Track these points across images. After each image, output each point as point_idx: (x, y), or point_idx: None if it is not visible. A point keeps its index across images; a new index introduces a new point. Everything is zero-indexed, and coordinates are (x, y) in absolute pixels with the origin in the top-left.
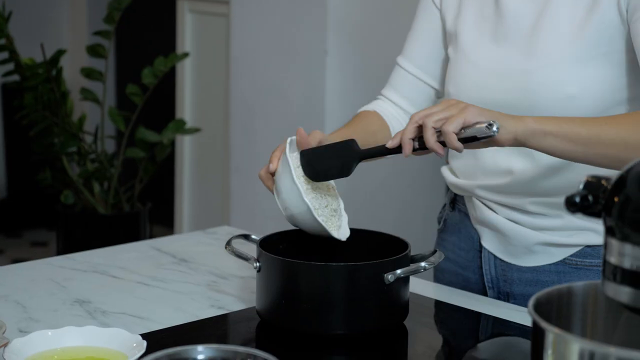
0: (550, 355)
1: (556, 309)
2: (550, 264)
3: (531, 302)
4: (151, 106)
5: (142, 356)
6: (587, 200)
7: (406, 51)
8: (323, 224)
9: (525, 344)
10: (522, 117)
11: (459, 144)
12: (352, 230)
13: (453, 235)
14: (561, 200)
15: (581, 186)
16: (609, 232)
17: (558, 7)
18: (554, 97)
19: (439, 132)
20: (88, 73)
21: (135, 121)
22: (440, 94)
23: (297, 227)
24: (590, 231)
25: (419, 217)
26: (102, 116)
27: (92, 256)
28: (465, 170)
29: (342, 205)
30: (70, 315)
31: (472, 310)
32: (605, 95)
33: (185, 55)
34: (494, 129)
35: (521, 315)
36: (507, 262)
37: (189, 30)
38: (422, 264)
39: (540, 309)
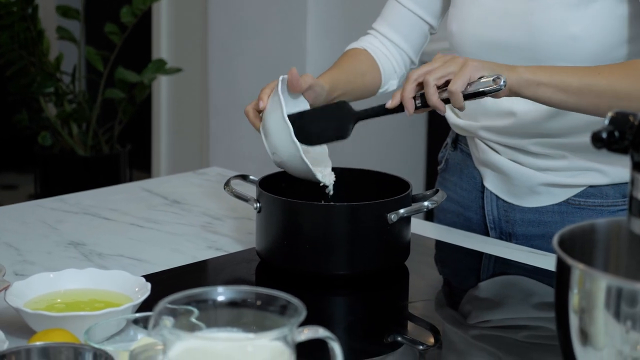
0: (577, 293)
1: (579, 246)
2: (553, 205)
3: (555, 239)
4: (127, 46)
5: (146, 299)
6: (614, 136)
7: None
8: (310, 166)
9: (527, 282)
10: (515, 67)
11: (464, 104)
12: (350, 170)
13: (455, 175)
14: (564, 140)
15: (607, 122)
16: (637, 168)
17: None
18: (556, 36)
19: (440, 89)
20: (64, 11)
21: (113, 61)
22: (434, 31)
23: (282, 168)
24: (593, 171)
25: (413, 156)
26: (80, 56)
27: (81, 198)
28: (467, 111)
29: (327, 151)
30: (66, 257)
31: (474, 250)
32: (607, 35)
33: None
34: (502, 82)
35: (523, 255)
36: (509, 203)
37: None
38: (425, 203)
39: (564, 246)
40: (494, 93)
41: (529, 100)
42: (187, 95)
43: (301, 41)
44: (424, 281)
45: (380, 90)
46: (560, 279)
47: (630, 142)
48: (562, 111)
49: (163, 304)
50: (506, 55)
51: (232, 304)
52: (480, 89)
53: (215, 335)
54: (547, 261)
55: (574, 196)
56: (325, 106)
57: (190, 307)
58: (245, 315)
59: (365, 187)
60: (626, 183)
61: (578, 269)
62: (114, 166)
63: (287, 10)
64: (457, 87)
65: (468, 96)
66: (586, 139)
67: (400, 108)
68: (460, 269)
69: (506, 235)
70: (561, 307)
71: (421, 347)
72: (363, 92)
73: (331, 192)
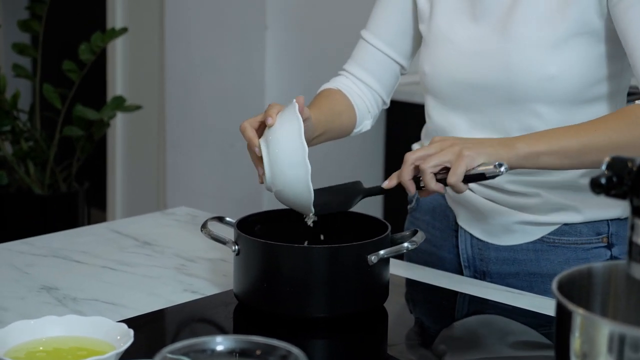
0: (578, 338)
1: (577, 290)
2: (527, 243)
3: (554, 283)
4: (83, 83)
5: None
6: (612, 182)
7: (372, 25)
8: (312, 193)
9: (503, 321)
10: (513, 143)
11: (466, 187)
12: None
13: (427, 215)
14: (539, 178)
15: (604, 167)
16: (637, 213)
17: None
18: (534, 77)
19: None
20: (21, 49)
21: (71, 99)
22: (405, 71)
23: (276, 192)
24: (568, 209)
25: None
26: (36, 93)
27: (48, 240)
28: None
29: None
30: (40, 302)
31: (449, 289)
32: (585, 74)
33: (124, 30)
34: (502, 169)
35: (498, 294)
36: (484, 241)
37: (119, 4)
38: (405, 244)
39: (562, 290)
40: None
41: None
42: (143, 132)
43: (259, 77)
44: (403, 323)
45: (355, 130)
46: (560, 324)
47: (629, 188)
48: None
49: (163, 354)
50: (482, 95)
51: (230, 353)
52: (481, 172)
53: None
54: (522, 300)
55: (549, 234)
56: (342, 184)
57: (185, 358)
58: None
59: (341, 228)
60: (600, 221)
61: (579, 314)
62: (72, 204)
63: (245, 45)
64: (456, 179)
65: (469, 180)
66: (560, 176)
67: (401, 188)
68: (436, 309)
69: (480, 274)
70: (562, 351)
71: None
72: (340, 132)
73: (311, 223)
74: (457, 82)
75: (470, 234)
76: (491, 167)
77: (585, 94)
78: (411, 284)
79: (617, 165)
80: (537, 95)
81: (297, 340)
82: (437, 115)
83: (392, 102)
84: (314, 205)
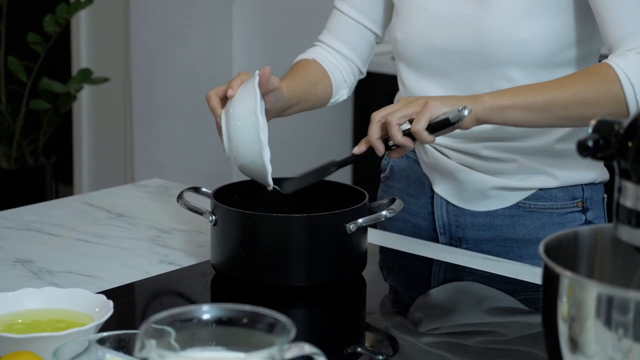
0: (566, 302)
1: (564, 254)
2: (503, 208)
3: (541, 247)
4: (48, 56)
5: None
6: (599, 144)
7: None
8: (269, 168)
9: (479, 288)
10: (478, 96)
11: (432, 137)
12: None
13: (401, 182)
14: (515, 144)
15: (590, 130)
16: (624, 175)
17: None
18: (505, 42)
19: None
20: None
21: (36, 72)
22: (380, 39)
23: (235, 161)
24: (543, 174)
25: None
26: (1, 66)
27: (21, 213)
28: None
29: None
30: (15, 275)
31: (425, 257)
32: (555, 38)
33: (89, 2)
34: (466, 112)
35: (474, 260)
36: (460, 207)
37: None
38: (384, 212)
39: (549, 253)
40: (460, 123)
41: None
42: (109, 105)
43: (227, 48)
44: (381, 291)
45: (332, 100)
46: (547, 287)
47: (616, 150)
48: None
49: (148, 324)
50: (455, 60)
51: (217, 322)
52: (444, 117)
53: (206, 355)
54: (498, 266)
55: (524, 199)
56: (317, 168)
57: (168, 328)
58: (231, 333)
59: (319, 197)
60: (574, 186)
61: (567, 277)
62: (40, 179)
63: (212, 17)
64: (420, 126)
65: (435, 129)
66: (536, 141)
67: (371, 151)
68: (412, 277)
69: (456, 240)
70: (549, 315)
71: (380, 357)
72: (316, 102)
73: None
74: (430, 48)
75: (446, 201)
76: (455, 111)
77: (556, 58)
78: (387, 252)
79: (604, 127)
80: (509, 59)
81: (276, 309)
82: (410, 83)
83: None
84: (290, 183)
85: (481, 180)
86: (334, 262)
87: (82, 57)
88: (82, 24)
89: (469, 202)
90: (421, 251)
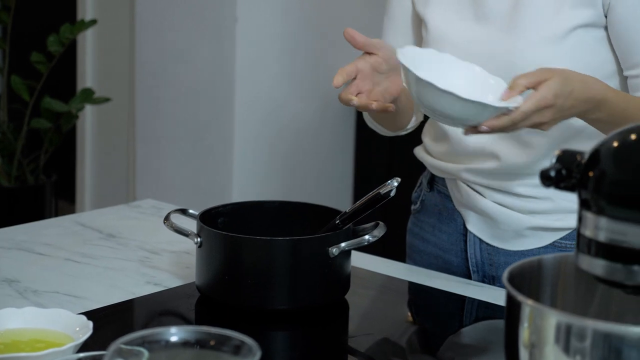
0: (527, 328)
1: (528, 282)
2: (539, 248)
3: (505, 275)
4: (52, 75)
5: (88, 338)
6: (561, 174)
7: (383, 37)
8: (475, 99)
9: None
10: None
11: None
12: (289, 203)
13: (432, 217)
14: None
15: (554, 160)
16: (584, 205)
17: None
18: None
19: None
20: None
21: (39, 91)
22: None
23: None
24: None
25: (340, 188)
26: (4, 85)
27: (13, 232)
28: (447, 153)
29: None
30: (1, 295)
31: (453, 293)
32: (590, 71)
33: (93, 22)
34: None
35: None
36: (494, 246)
37: None
38: (366, 237)
39: (513, 282)
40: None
41: (512, 142)
42: (113, 125)
43: (230, 70)
44: (364, 315)
45: (412, 122)
46: (510, 315)
47: (577, 180)
48: (547, 153)
49: (116, 345)
50: None
51: (185, 344)
52: None
53: None
54: None
55: (560, 239)
56: None
57: (140, 349)
58: (198, 355)
59: (304, 220)
60: None
61: (528, 305)
62: (40, 197)
63: (216, 38)
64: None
65: None
66: None
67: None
68: (442, 314)
69: (489, 278)
70: (511, 341)
71: None
72: (405, 110)
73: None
74: None
75: (480, 239)
76: None
77: None
78: (415, 287)
79: (567, 158)
80: None
81: (259, 332)
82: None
83: None
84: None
85: (516, 219)
86: (317, 286)
87: (87, 76)
88: (88, 43)
89: (503, 241)
90: (448, 287)
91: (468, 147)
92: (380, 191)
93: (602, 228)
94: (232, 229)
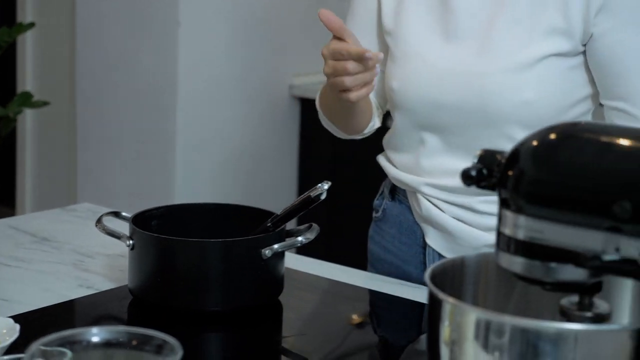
0: (447, 326)
1: (450, 280)
2: None
3: (427, 273)
4: None
5: (15, 341)
6: (482, 174)
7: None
8: None
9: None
10: None
11: None
12: (224, 206)
13: (393, 228)
14: None
15: (475, 160)
16: (504, 204)
17: (513, 6)
18: (509, 103)
19: None
20: None
21: None
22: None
23: None
24: None
25: (284, 191)
26: None
27: None
28: (408, 165)
29: None
30: None
31: (390, 295)
32: (563, 99)
33: (31, 25)
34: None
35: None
36: None
37: None
38: (299, 238)
39: (435, 280)
40: None
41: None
42: (54, 129)
43: (172, 74)
44: (297, 316)
45: (370, 125)
46: (432, 312)
47: (497, 180)
48: None
49: (35, 346)
50: (455, 116)
51: (106, 344)
52: None
53: None
54: None
55: None
56: None
57: (63, 349)
58: (120, 356)
59: (240, 223)
60: None
61: (449, 303)
62: None
63: (158, 41)
64: None
65: None
66: None
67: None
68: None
69: None
70: (433, 339)
71: None
72: (365, 112)
73: None
74: (429, 102)
75: (439, 253)
76: None
77: (562, 117)
78: (375, 295)
79: (488, 157)
80: (513, 119)
81: (192, 333)
82: (408, 132)
83: (307, 100)
84: None
85: (475, 236)
86: (250, 287)
87: (27, 79)
88: (28, 46)
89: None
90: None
91: (429, 162)
92: (311, 194)
93: (520, 226)
94: (165, 232)
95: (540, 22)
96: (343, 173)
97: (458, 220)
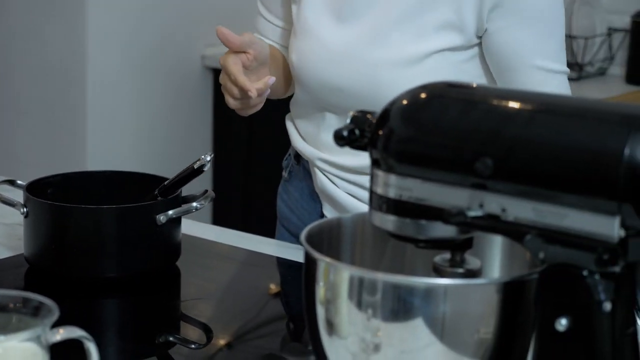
0: (322, 286)
1: (327, 241)
2: None
3: (303, 234)
4: None
5: None
6: (354, 134)
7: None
8: None
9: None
10: None
11: None
12: (120, 173)
13: (297, 192)
14: None
15: (348, 120)
16: (375, 164)
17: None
18: (401, 91)
19: None
20: None
21: None
22: None
23: None
24: None
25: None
26: None
27: None
28: (310, 134)
29: None
30: None
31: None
32: None
33: None
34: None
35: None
36: None
37: None
38: (194, 204)
39: (312, 240)
40: None
41: None
42: None
43: (81, 45)
44: (195, 281)
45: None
46: (307, 273)
47: (368, 140)
48: None
49: None
50: (350, 99)
51: None
52: None
53: None
54: None
55: None
56: None
57: None
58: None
59: (137, 189)
60: None
61: (323, 262)
62: None
63: (66, 13)
64: None
65: None
66: None
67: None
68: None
69: None
70: (309, 300)
71: (193, 345)
72: (288, 78)
73: None
74: (324, 82)
75: None
76: None
77: None
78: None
79: (360, 118)
80: None
81: (88, 301)
82: (308, 103)
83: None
84: None
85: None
86: (145, 253)
87: None
88: None
89: None
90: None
91: (327, 136)
92: (194, 165)
93: (391, 185)
94: (61, 200)
95: (430, 17)
96: (258, 136)
97: (351, 195)
